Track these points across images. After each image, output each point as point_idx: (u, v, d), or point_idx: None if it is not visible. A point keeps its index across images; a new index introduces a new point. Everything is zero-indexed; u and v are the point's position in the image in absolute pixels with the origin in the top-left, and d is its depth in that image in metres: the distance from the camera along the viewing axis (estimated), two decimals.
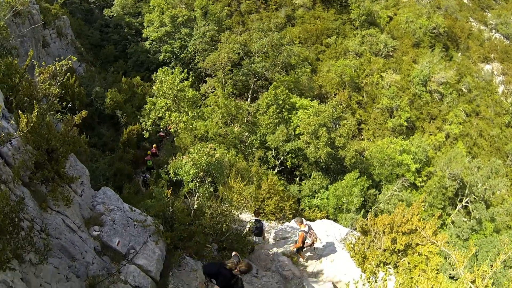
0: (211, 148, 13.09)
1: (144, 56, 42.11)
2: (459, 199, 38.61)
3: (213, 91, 39.39)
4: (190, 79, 25.58)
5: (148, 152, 27.27)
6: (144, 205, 11.85)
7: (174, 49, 41.91)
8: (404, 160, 37.46)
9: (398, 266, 12.16)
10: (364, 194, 32.10)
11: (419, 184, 38.38)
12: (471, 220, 36.60)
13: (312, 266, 13.83)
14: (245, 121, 33.09)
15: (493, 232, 35.80)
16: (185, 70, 26.53)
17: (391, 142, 41.08)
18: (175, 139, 26.08)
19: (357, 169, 33.08)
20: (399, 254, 12.46)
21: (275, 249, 14.55)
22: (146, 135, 25.74)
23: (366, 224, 13.44)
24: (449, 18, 62.45)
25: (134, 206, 11.18)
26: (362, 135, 46.54)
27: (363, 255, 12.85)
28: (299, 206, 28.87)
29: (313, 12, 55.35)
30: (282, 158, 33.58)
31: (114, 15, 44.70)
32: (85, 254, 8.08)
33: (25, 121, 6.71)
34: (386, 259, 12.42)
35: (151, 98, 24.87)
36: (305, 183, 33.05)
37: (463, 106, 51.56)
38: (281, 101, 34.50)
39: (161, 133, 31.07)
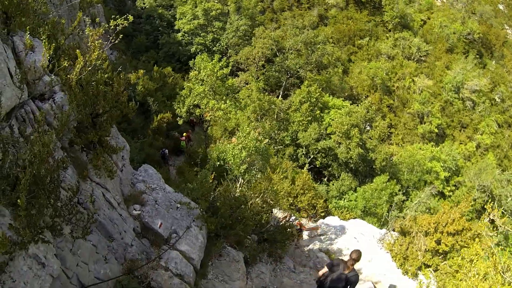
0: (259, 134, 12.25)
1: (175, 48, 41.64)
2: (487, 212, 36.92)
3: (245, 85, 38.60)
4: (230, 67, 24.77)
5: (184, 133, 26.68)
6: (186, 187, 11.02)
7: (207, 42, 41.33)
8: (433, 168, 36.17)
9: (439, 269, 11.46)
10: (392, 199, 30.84)
11: (447, 193, 36.77)
12: (498, 236, 34.93)
13: None
14: (275, 117, 32.20)
15: None
16: (224, 58, 25.76)
17: (420, 148, 39.70)
18: (209, 128, 25.28)
19: (387, 173, 31.83)
20: (441, 257, 11.75)
21: (311, 246, 13.76)
22: (180, 122, 25.04)
23: (405, 225, 12.88)
24: (483, 24, 60.53)
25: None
26: (391, 140, 45.25)
27: (404, 256, 12.08)
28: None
29: (346, 13, 54.24)
30: (312, 157, 32.62)
31: (147, 6, 44.35)
32: (124, 234, 7.32)
33: (77, 68, 5.87)
34: (427, 261, 11.71)
35: (189, 84, 24.08)
36: (333, 184, 32.20)
37: (496, 116, 49.55)
38: (314, 99, 33.53)
39: (193, 119, 30.03)
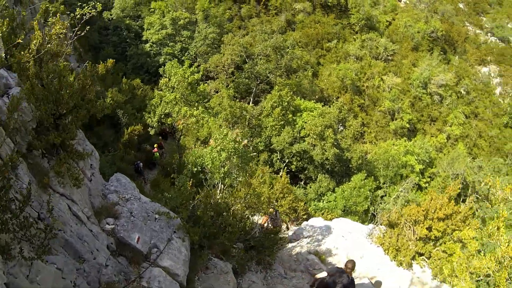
0: (237, 135, 11.54)
1: (144, 59, 40.74)
2: (462, 199, 37.55)
3: (216, 93, 37.86)
4: (201, 72, 23.98)
5: (155, 144, 25.70)
6: (164, 197, 10.19)
7: (175, 52, 40.50)
8: (408, 161, 36.51)
9: (432, 256, 11.41)
10: (371, 196, 30.64)
11: (423, 185, 37.18)
12: (475, 219, 35.44)
13: (340, 264, 12.53)
14: (247, 124, 31.54)
15: None
16: (195, 64, 24.99)
17: (394, 144, 40.01)
18: (181, 137, 24.30)
19: (364, 171, 31.64)
20: (433, 243, 11.69)
21: (298, 249, 13.14)
22: (151, 132, 24.01)
23: (393, 217, 12.76)
24: (446, 22, 62.02)
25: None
26: (364, 138, 45.41)
27: (396, 247, 11.84)
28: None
29: (313, 17, 54.39)
30: (287, 161, 32.05)
31: (114, 17, 43.20)
32: (96, 253, 6.41)
33: (33, 45, 5.00)
34: (420, 250, 11.63)
35: (160, 92, 23.15)
36: (310, 186, 31.77)
37: (462, 108, 51.12)
38: (286, 103, 33.08)
39: (165, 129, 29.00)
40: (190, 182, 10.25)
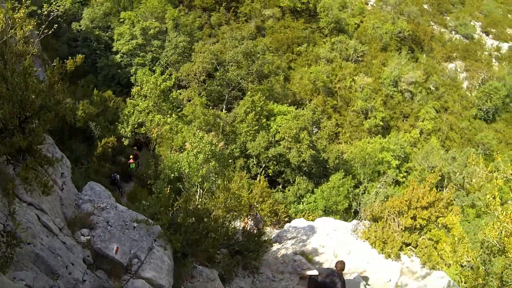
0: (213, 137, 11.17)
1: (114, 70, 39.82)
2: (438, 190, 38.34)
3: (188, 102, 37.28)
4: (173, 79, 23.49)
5: (131, 155, 24.96)
6: (141, 204, 9.72)
7: (146, 62, 39.74)
8: (384, 158, 36.90)
9: (419, 245, 11.59)
10: (350, 194, 30.67)
11: (401, 179, 37.68)
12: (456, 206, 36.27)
13: (328, 262, 12.47)
14: (221, 131, 31.14)
15: (475, 217, 35.46)
16: (167, 71, 24.49)
17: (369, 142, 40.39)
18: (156, 147, 23.65)
19: (341, 170, 31.68)
20: (418, 232, 11.88)
21: (283, 251, 12.83)
22: (125, 143, 23.30)
23: (376, 211, 12.84)
24: (412, 23, 63.68)
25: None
26: (339, 139, 45.66)
27: (383, 240, 11.89)
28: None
29: (283, 22, 54.75)
30: (264, 166, 31.74)
31: (83, 28, 42.10)
32: (71, 268, 5.93)
33: None
34: (406, 240, 11.79)
35: (132, 100, 22.52)
36: (289, 190, 31.61)
37: (433, 103, 52.68)
38: (259, 108, 32.85)
39: (139, 139, 28.24)
40: (168, 188, 9.82)
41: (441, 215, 11.35)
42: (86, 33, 41.87)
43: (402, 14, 65.28)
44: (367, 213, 13.09)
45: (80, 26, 42.38)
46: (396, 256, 11.63)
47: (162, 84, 21.67)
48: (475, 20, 73.16)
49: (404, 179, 37.94)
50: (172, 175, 10.97)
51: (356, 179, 32.89)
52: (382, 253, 11.86)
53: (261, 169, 31.77)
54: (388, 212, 12.03)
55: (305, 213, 25.08)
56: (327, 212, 27.81)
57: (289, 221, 17.81)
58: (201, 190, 11.37)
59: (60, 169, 7.93)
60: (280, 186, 32.96)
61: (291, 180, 32.44)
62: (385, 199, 30.32)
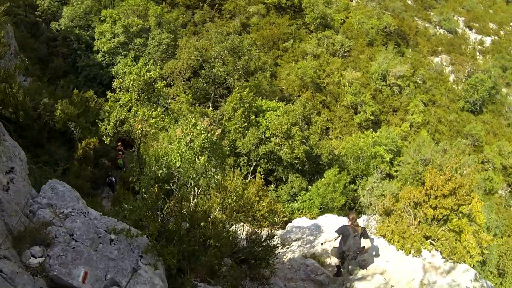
0: (209, 124, 9.17)
1: (96, 70, 37.68)
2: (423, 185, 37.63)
3: (173, 100, 35.32)
4: (158, 70, 21.48)
5: (120, 152, 22.95)
6: (123, 208, 7.61)
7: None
8: (377, 152, 35.52)
9: (440, 238, 10.31)
10: (346, 190, 29.07)
11: (394, 173, 36.42)
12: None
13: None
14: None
15: None
16: (151, 61, 22.50)
17: (360, 137, 38.98)
18: (141, 145, 21.46)
19: (336, 165, 30.04)
20: (437, 223, 10.53)
21: (289, 255, 11.01)
22: (107, 141, 21.20)
23: (387, 205, 11.46)
24: (397, 18, 62.81)
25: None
26: (329, 135, 44.16)
27: (401, 235, 10.46)
28: None
29: (268, 19, 53.13)
30: (254, 164, 29.83)
31: (62, 28, 39.81)
32: None
33: None
34: (427, 232, 10.47)
35: (112, 94, 20.43)
36: (281, 188, 29.81)
37: (421, 97, 51.85)
38: (247, 104, 30.95)
39: (123, 137, 26.16)
40: (156, 186, 7.77)
41: (463, 203, 9.99)
42: (65, 33, 39.62)
43: (387, 9, 64.38)
44: (379, 206, 11.54)
45: (59, 25, 40.11)
46: (417, 251, 10.25)
47: (145, 74, 19.60)
48: (458, 15, 72.93)
49: (397, 172, 36.68)
50: (160, 171, 8.93)
51: (349, 175, 31.32)
52: (402, 250, 10.42)
53: (251, 168, 29.90)
54: (404, 203, 10.66)
55: (302, 211, 23.33)
56: (324, 209, 26.13)
57: (286, 222, 16.11)
58: (196, 189, 9.37)
59: (5, 161, 5.97)
60: (273, 185, 31.12)
61: (283, 178, 30.67)
62: (381, 194, 29.10)
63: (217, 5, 51.55)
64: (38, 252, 5.28)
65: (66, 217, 6.19)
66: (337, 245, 9.76)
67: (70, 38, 39.58)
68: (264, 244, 9.17)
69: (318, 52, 50.89)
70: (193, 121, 9.10)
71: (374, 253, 10.79)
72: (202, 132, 8.75)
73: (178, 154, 8.72)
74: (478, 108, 56.58)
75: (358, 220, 9.84)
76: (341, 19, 58.25)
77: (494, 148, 48.57)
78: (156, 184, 8.08)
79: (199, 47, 37.34)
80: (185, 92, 36.35)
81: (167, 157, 8.91)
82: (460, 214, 10.10)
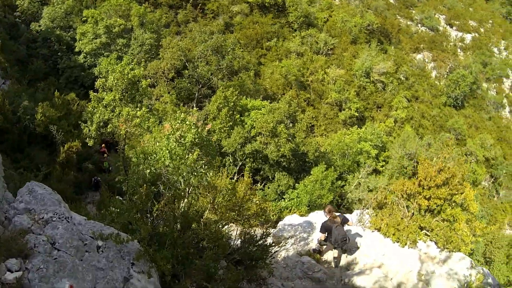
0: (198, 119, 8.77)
1: (78, 72, 36.75)
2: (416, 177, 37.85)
3: (157, 100, 34.68)
4: (142, 67, 20.91)
5: (105, 154, 22.32)
6: (110, 212, 7.10)
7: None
8: (363, 148, 35.54)
9: (434, 228, 10.31)
10: (333, 186, 28.89)
11: (380, 168, 36.50)
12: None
13: (339, 259, 10.77)
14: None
15: None
16: (135, 60, 21.90)
17: (346, 134, 38.95)
18: (126, 147, 20.83)
19: (322, 162, 29.83)
20: (430, 214, 10.57)
21: (283, 253, 10.78)
22: (90, 143, 20.57)
23: (380, 198, 11.50)
24: (379, 16, 63.14)
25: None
26: (314, 132, 44.00)
27: (395, 227, 10.43)
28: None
29: (251, 18, 52.81)
30: (240, 164, 29.41)
31: (43, 29, 38.70)
32: None
33: None
34: (421, 223, 10.52)
35: (95, 94, 19.78)
36: (268, 187, 29.43)
37: (404, 93, 52.25)
38: (232, 104, 30.51)
39: (107, 139, 25.47)
40: (145, 186, 7.28)
41: (456, 192, 10.08)
42: (46, 34, 38.48)
43: (370, 8, 64.75)
44: (372, 200, 11.61)
45: (40, 26, 38.98)
46: (413, 243, 10.30)
47: (129, 73, 19.03)
48: (439, 13, 73.75)
49: (383, 168, 36.78)
50: (148, 171, 8.45)
51: (337, 171, 31.17)
52: (398, 242, 10.42)
53: (237, 168, 29.49)
54: (397, 196, 10.78)
55: (290, 209, 23.04)
56: (312, 206, 25.88)
57: (277, 220, 15.85)
58: (187, 188, 8.92)
59: None
60: (260, 184, 30.74)
61: (270, 177, 30.32)
62: (370, 189, 29.09)
63: (200, 4, 51.02)
64: (14, 265, 4.78)
65: (46, 223, 5.68)
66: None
67: (51, 39, 38.49)
68: (260, 243, 8.80)
69: (301, 50, 50.80)
70: (182, 116, 8.70)
71: (356, 239, 10.87)
72: (192, 127, 8.33)
73: (167, 151, 8.29)
74: (460, 102, 57.47)
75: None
76: (324, 18, 58.21)
77: (476, 141, 49.41)
78: (145, 184, 7.64)
79: (182, 47, 36.77)
80: (169, 92, 35.76)
81: (155, 155, 8.48)
82: (453, 204, 10.18)
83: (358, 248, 10.79)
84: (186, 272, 6.40)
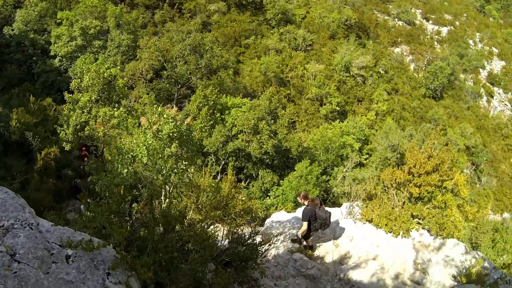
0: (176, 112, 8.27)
1: (54, 76, 35.58)
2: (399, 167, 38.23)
3: (136, 101, 33.95)
4: (118, 66, 20.28)
5: (85, 158, 21.62)
6: (84, 215, 6.57)
7: None
8: (346, 141, 35.47)
9: (426, 216, 10.19)
10: (318, 181, 28.69)
11: (364, 161, 36.51)
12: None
13: (330, 254, 10.57)
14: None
15: None
16: (111, 59, 21.23)
17: (328, 129, 38.91)
18: (105, 150, 20.14)
19: (306, 157, 29.62)
20: (422, 201, 10.44)
21: (273, 252, 10.53)
22: (67, 148, 19.86)
23: (369, 189, 11.37)
24: (357, 11, 63.55)
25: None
26: (295, 128, 43.86)
27: (387, 217, 10.29)
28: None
29: (229, 16, 52.35)
30: (223, 163, 28.96)
31: (16, 32, 37.43)
32: None
33: None
34: (413, 211, 10.40)
35: (70, 95, 19.09)
36: (252, 185, 29.04)
37: (384, 86, 52.53)
38: (212, 102, 30.02)
39: (85, 143, 24.75)
40: (121, 186, 6.78)
41: (446, 178, 9.94)
42: (19, 37, 37.19)
43: (347, 3, 65.11)
44: (361, 191, 11.42)
45: (13, 30, 37.73)
46: (406, 232, 10.15)
47: (105, 72, 18.39)
48: (415, 7, 74.75)
49: (367, 161, 36.87)
50: (125, 170, 7.93)
51: (321, 166, 31.02)
52: (391, 232, 10.24)
53: (220, 167, 29.03)
54: (386, 185, 10.60)
55: (276, 207, 22.74)
56: (298, 203, 25.63)
57: (264, 218, 15.45)
58: (167, 187, 8.44)
59: None
60: (244, 183, 30.30)
61: (253, 175, 29.96)
62: (355, 182, 28.98)
63: (177, 4, 50.38)
64: None
65: (6, 231, 5.04)
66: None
67: (25, 43, 37.24)
68: (248, 242, 8.38)
69: (280, 47, 50.58)
70: (159, 109, 8.24)
71: (348, 232, 10.73)
72: (170, 120, 7.86)
73: (145, 147, 7.82)
74: (438, 94, 58.22)
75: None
76: (302, 14, 58.18)
77: (456, 130, 50.11)
78: (122, 185, 7.16)
79: (160, 47, 36.12)
80: (147, 94, 35.08)
81: (132, 153, 8.01)
82: (443, 190, 10.07)
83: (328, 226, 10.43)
84: (171, 278, 5.90)
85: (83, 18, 37.78)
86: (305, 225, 9.78)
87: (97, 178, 7.55)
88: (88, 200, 8.11)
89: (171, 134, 7.82)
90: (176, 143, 7.61)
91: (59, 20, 37.62)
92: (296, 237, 10.70)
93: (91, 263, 5.07)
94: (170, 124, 7.87)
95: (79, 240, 5.05)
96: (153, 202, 6.69)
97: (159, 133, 7.56)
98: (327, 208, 10.41)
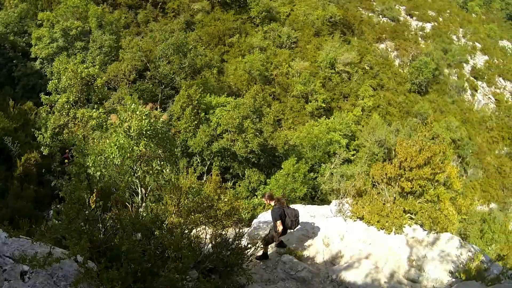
0: (151, 108, 7.87)
1: (35, 79, 34.73)
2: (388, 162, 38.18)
3: (119, 103, 33.27)
4: (97, 65, 19.70)
5: (66, 160, 20.86)
6: (36, 228, 6.00)
7: None
8: (333, 138, 35.23)
9: (419, 211, 9.91)
10: (306, 179, 28.35)
11: (351, 157, 36.37)
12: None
13: (320, 254, 10.10)
14: None
15: None
16: (90, 58, 20.62)
17: (314, 125, 38.63)
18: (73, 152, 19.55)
19: (293, 155, 29.25)
20: (412, 196, 10.13)
21: (260, 254, 10.02)
22: (45, 152, 19.25)
23: (358, 186, 11.17)
24: (341, 8, 63.39)
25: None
26: (281, 126, 43.54)
27: (379, 213, 9.94)
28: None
29: (213, 15, 51.82)
30: (209, 163, 28.44)
31: None
32: None
33: None
34: (405, 207, 10.09)
35: (46, 97, 18.51)
36: (239, 185, 28.61)
37: (369, 82, 52.44)
38: (196, 102, 29.50)
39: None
40: (95, 193, 6.29)
41: (438, 171, 9.65)
42: None
43: (331, 1, 64.70)
44: (351, 188, 11.07)
45: None
46: (399, 228, 9.78)
47: (83, 71, 17.81)
48: (399, 4, 75.02)
49: (354, 157, 36.69)
50: (98, 173, 7.44)
51: (308, 163, 30.69)
52: (383, 229, 9.86)
53: (206, 168, 28.54)
54: (376, 181, 10.28)
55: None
56: (286, 201, 25.26)
57: (251, 218, 15.02)
58: (143, 190, 7.97)
59: None
60: (230, 183, 29.83)
61: (240, 174, 29.52)
62: (344, 179, 28.72)
63: (160, 3, 49.67)
64: None
65: None
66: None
67: (5, 45, 36.31)
68: (233, 246, 7.93)
69: (264, 45, 50.14)
70: (132, 106, 7.78)
71: (338, 231, 10.35)
72: (143, 117, 7.40)
73: (116, 147, 7.33)
74: (424, 88, 58.42)
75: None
76: (286, 12, 57.85)
77: (442, 124, 50.23)
78: (94, 189, 6.68)
79: (143, 47, 35.47)
80: (131, 95, 34.40)
81: (103, 154, 7.54)
82: (436, 183, 9.83)
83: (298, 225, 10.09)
84: None
85: (65, 19, 36.97)
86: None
87: (59, 183, 7.11)
88: (58, 206, 7.64)
89: (144, 132, 7.41)
90: (144, 141, 7.18)
91: (40, 21, 36.80)
92: (275, 241, 10.09)
93: (50, 279, 4.59)
94: (144, 121, 7.47)
95: (35, 254, 4.56)
96: (118, 207, 6.21)
97: (130, 131, 7.13)
98: (313, 206, 10.15)
